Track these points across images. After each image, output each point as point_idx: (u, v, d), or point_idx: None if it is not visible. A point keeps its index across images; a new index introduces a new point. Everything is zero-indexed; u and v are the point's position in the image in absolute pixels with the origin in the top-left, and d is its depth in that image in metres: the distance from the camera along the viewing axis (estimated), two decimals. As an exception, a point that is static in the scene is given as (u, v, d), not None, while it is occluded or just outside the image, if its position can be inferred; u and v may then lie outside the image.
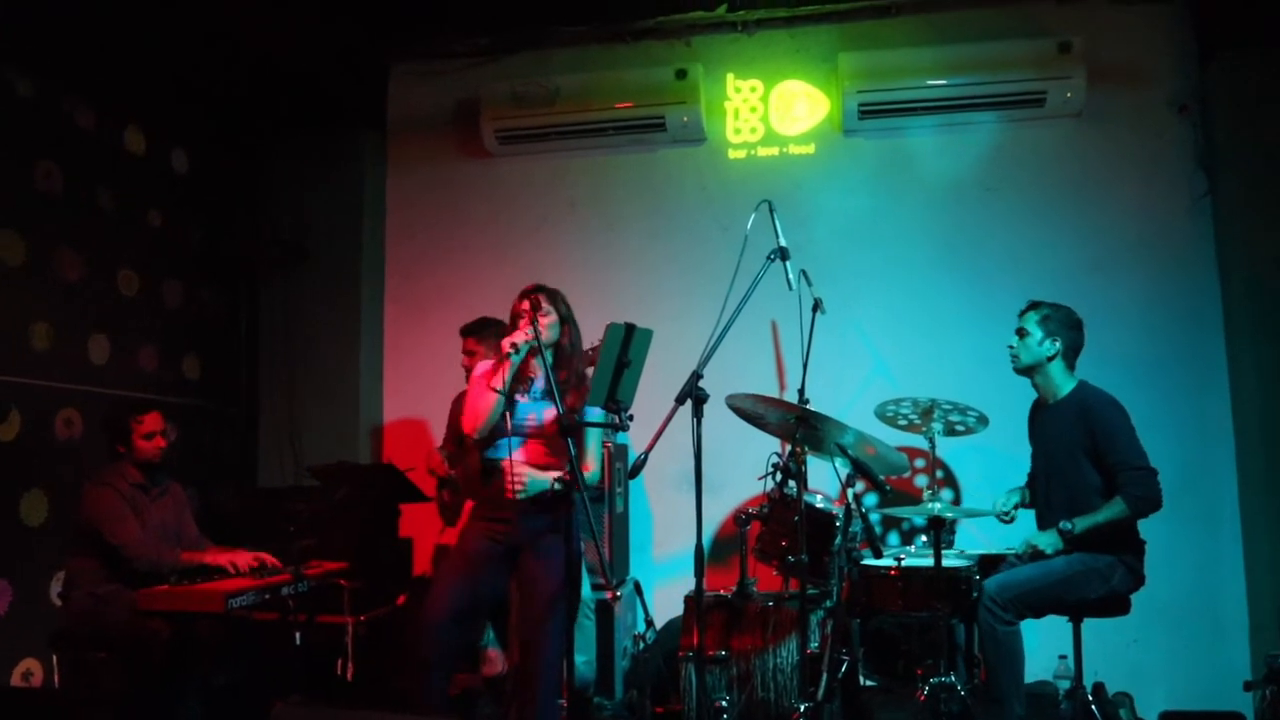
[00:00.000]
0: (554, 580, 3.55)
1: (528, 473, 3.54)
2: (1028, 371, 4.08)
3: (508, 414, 3.57)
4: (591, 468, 3.70)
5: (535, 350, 3.57)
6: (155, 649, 3.87)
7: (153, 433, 4.28)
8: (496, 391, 3.52)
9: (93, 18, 4.78)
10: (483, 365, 3.72)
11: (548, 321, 3.64)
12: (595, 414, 3.55)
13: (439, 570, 3.62)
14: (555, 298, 3.71)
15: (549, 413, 3.61)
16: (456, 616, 3.57)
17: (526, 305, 3.61)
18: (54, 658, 4.09)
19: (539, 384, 3.67)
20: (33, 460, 4.54)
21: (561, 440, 3.43)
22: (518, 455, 3.57)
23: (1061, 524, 3.81)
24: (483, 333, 4.69)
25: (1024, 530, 4.10)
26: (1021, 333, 4.04)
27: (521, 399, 3.65)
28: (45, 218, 4.69)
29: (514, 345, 3.49)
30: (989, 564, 4.10)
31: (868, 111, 5.34)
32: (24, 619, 4.42)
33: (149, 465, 4.29)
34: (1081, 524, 3.79)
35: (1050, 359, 4.00)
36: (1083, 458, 3.89)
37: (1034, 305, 4.07)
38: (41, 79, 4.68)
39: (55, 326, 4.70)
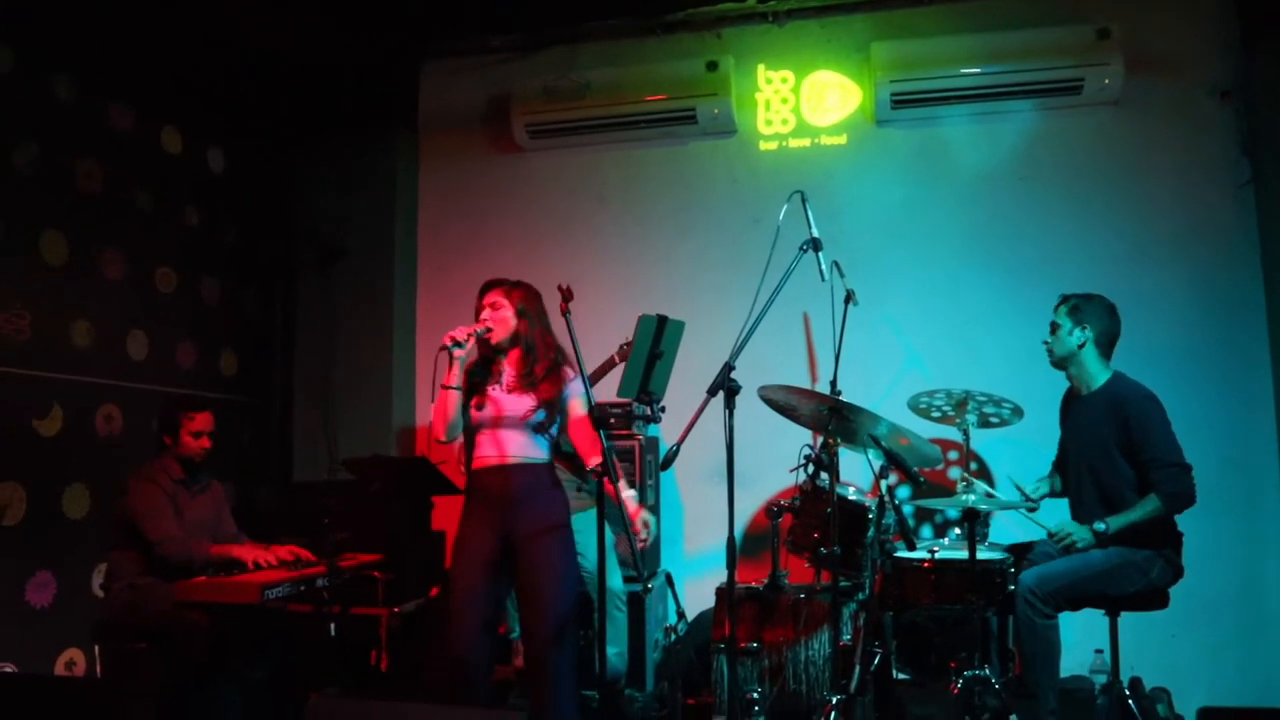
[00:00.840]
0: (554, 576, 3.58)
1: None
2: (1062, 364, 4.05)
3: (490, 407, 3.57)
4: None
5: (493, 346, 3.59)
6: (194, 640, 3.92)
7: (201, 432, 4.34)
8: (451, 389, 3.51)
9: (130, 21, 4.87)
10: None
11: (501, 315, 3.62)
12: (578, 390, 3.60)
13: (455, 585, 3.58)
14: (512, 292, 3.69)
15: (519, 404, 3.59)
16: (485, 631, 3.57)
17: (489, 299, 3.64)
18: (96, 648, 4.16)
19: (505, 378, 3.64)
20: (74, 455, 4.62)
21: (594, 431, 3.42)
22: (501, 450, 3.58)
23: (1096, 524, 3.78)
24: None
25: (1048, 517, 4.05)
26: (1054, 327, 4.03)
27: (497, 392, 3.62)
28: (87, 217, 4.77)
29: (453, 340, 3.49)
30: (1021, 553, 4.07)
31: (900, 101, 5.29)
32: (67, 610, 4.51)
33: (190, 462, 4.35)
34: (1115, 523, 3.76)
35: (1081, 347, 3.96)
36: (1116, 451, 3.84)
37: (1064, 299, 4.05)
38: (81, 81, 4.76)
39: (95, 324, 4.78)
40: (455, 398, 3.51)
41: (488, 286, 3.69)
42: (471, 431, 3.63)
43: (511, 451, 3.61)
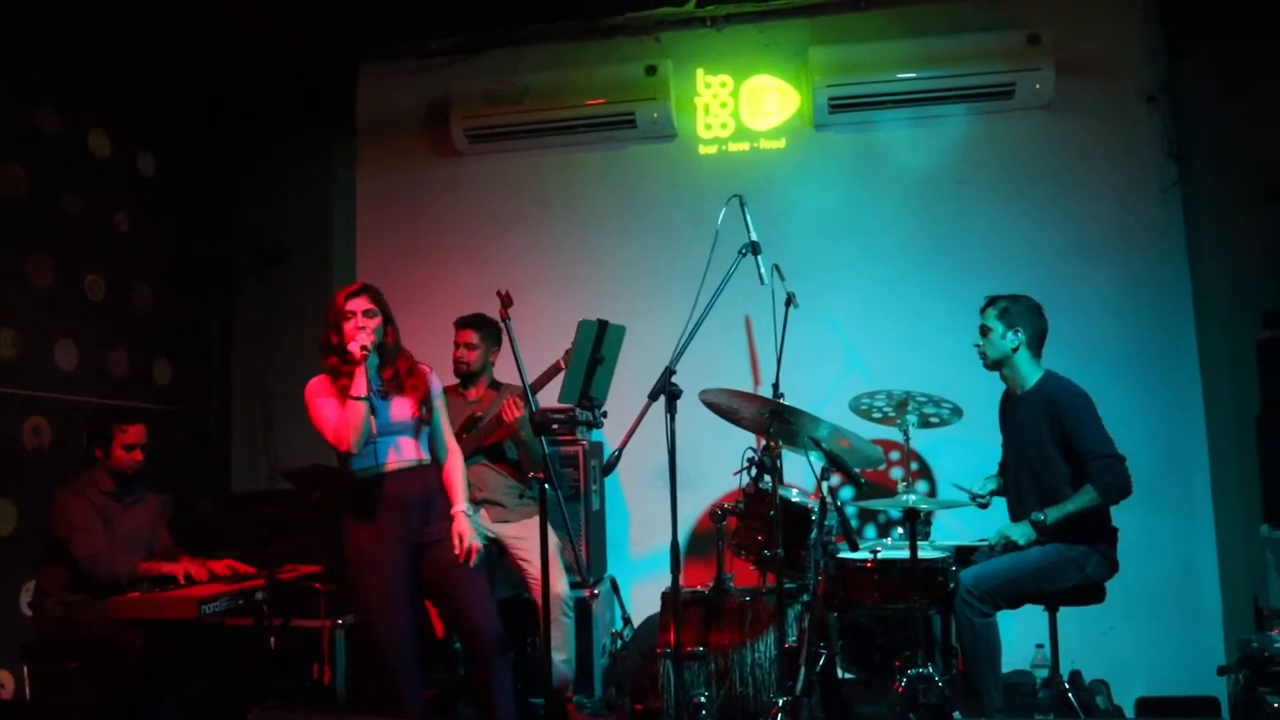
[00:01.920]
0: (469, 572, 3.59)
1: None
2: (996, 366, 4.11)
3: (372, 418, 3.49)
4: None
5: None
6: (129, 657, 3.84)
7: (134, 445, 4.25)
8: (360, 399, 3.44)
9: (56, 22, 4.74)
10: (316, 382, 3.60)
11: (376, 324, 3.59)
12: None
13: (373, 596, 3.52)
14: (380, 297, 3.66)
15: (403, 407, 3.58)
16: (411, 640, 3.55)
17: (359, 305, 3.58)
18: (25, 669, 4.04)
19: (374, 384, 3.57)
20: (0, 469, 4.48)
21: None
22: (398, 455, 3.56)
23: (1033, 515, 3.85)
24: (485, 328, 4.64)
25: (997, 518, 4.12)
26: (984, 330, 4.07)
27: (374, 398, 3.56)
28: (11, 222, 4.63)
29: (365, 348, 3.45)
30: (965, 555, 4.12)
31: (838, 105, 5.34)
32: (-6, 630, 4.38)
33: (123, 475, 4.25)
34: (1053, 514, 3.82)
35: (1015, 350, 4.02)
36: (1051, 448, 3.91)
37: (991, 301, 4.10)
38: (5, 84, 4.61)
39: (21, 332, 4.64)
40: (365, 408, 3.44)
41: (354, 294, 3.61)
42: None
43: (408, 455, 3.60)
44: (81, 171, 5.08)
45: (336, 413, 3.49)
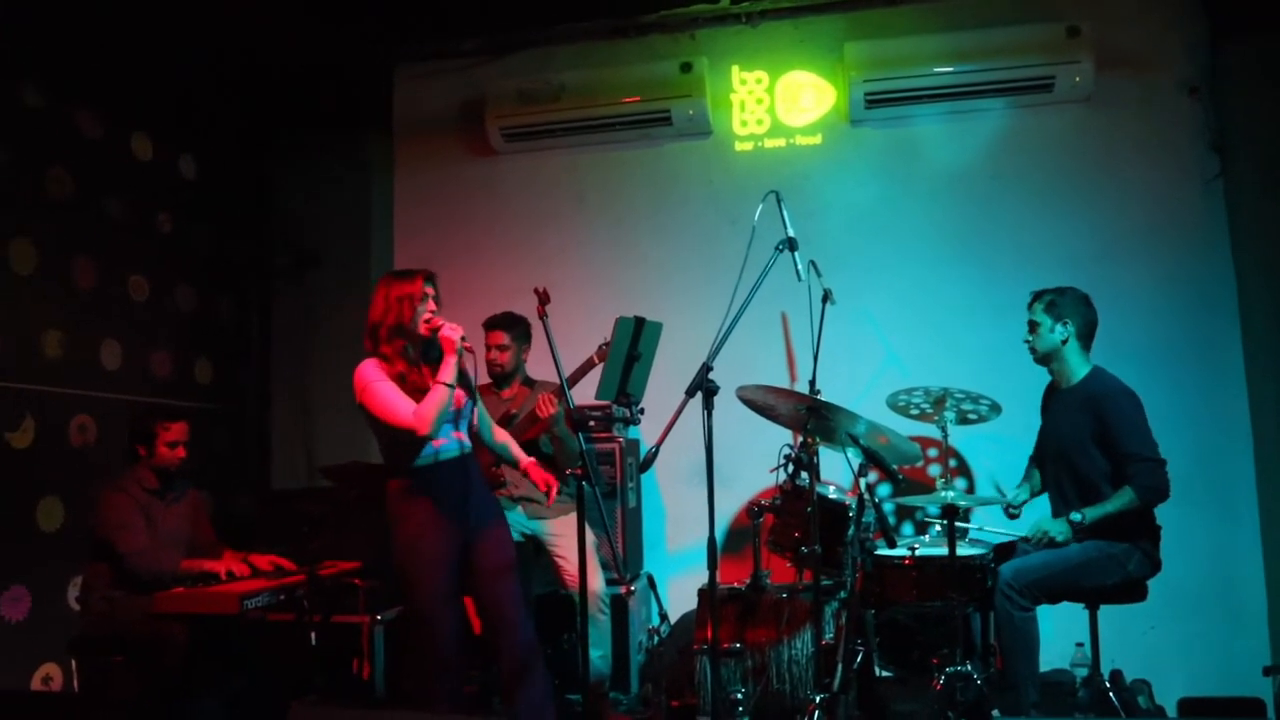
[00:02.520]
0: (511, 564, 3.65)
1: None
2: (1045, 360, 4.07)
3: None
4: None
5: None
6: (172, 651, 3.89)
7: (177, 442, 4.30)
8: (446, 385, 3.47)
9: (97, 26, 4.82)
10: (370, 365, 3.58)
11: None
12: None
13: (426, 586, 3.54)
14: (438, 283, 3.69)
15: (459, 395, 3.57)
16: (456, 635, 3.58)
17: (431, 290, 3.60)
18: (73, 662, 4.11)
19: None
20: (48, 467, 4.57)
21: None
22: (451, 444, 3.58)
23: (1072, 515, 3.82)
24: (514, 327, 4.67)
25: (1036, 514, 4.08)
26: (1032, 326, 4.05)
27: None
28: (56, 225, 4.71)
29: (464, 338, 3.48)
30: (1004, 552, 4.09)
31: (874, 101, 5.31)
32: (42, 624, 4.46)
33: (166, 472, 4.31)
34: (1091, 514, 3.80)
35: (1064, 343, 3.98)
36: (1092, 445, 3.87)
37: (1037, 295, 4.07)
38: (49, 88, 4.70)
39: (67, 333, 4.72)
40: (450, 394, 3.47)
41: (430, 278, 3.63)
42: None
43: (462, 445, 3.62)
44: (124, 174, 5.17)
45: (399, 395, 3.48)
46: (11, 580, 4.37)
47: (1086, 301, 4.02)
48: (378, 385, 3.51)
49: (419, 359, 3.60)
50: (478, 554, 3.61)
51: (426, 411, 3.45)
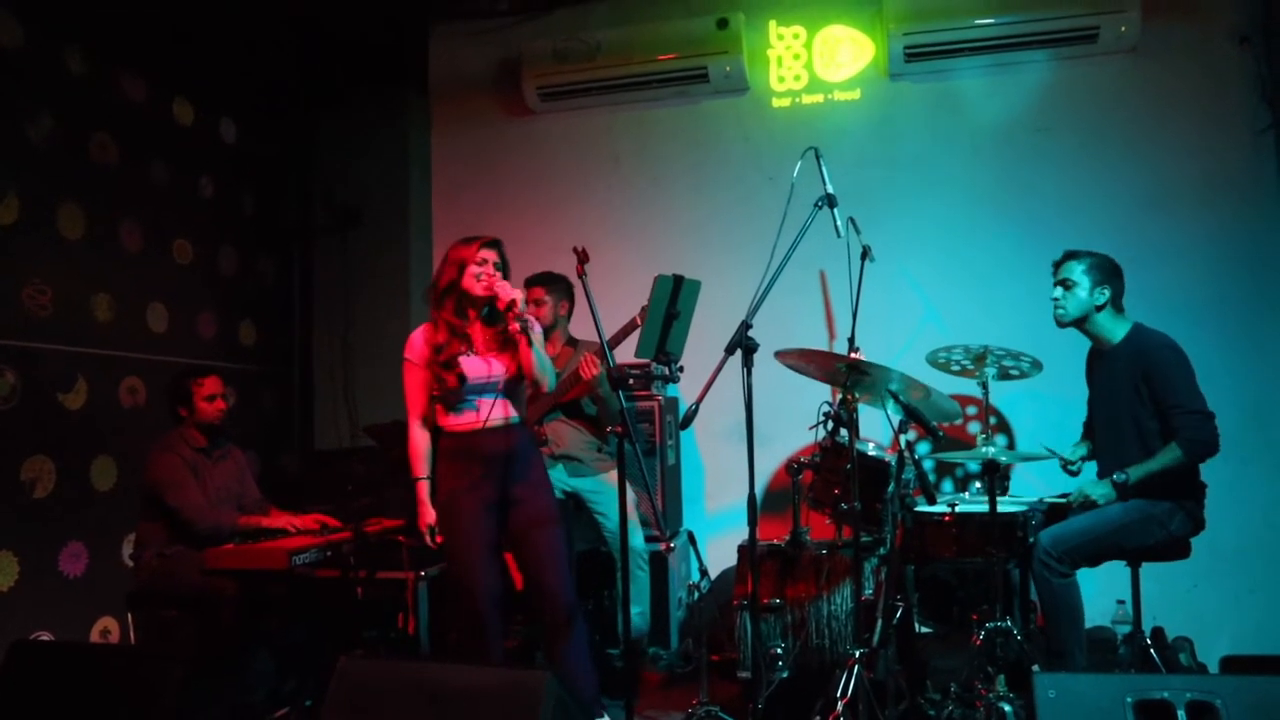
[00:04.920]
0: (556, 530, 3.68)
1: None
2: (1074, 323, 3.96)
3: (480, 368, 3.58)
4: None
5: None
6: (224, 606, 3.99)
7: (214, 395, 4.37)
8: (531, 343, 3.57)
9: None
10: (418, 336, 3.65)
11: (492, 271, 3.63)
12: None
13: (458, 551, 3.60)
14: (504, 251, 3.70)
15: (500, 365, 3.61)
16: (497, 591, 3.64)
17: (490, 255, 3.60)
18: (129, 616, 4.24)
19: (477, 339, 3.64)
20: (100, 428, 4.68)
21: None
22: (492, 412, 3.60)
23: (1115, 475, 3.74)
24: (553, 284, 4.70)
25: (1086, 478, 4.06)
26: (1067, 284, 3.91)
27: (474, 354, 3.62)
28: (103, 190, 4.79)
29: (520, 302, 3.52)
30: (1052, 513, 4.05)
31: (914, 54, 5.24)
32: (100, 580, 4.59)
33: (210, 428, 4.38)
34: (1136, 473, 3.72)
35: (1099, 308, 3.90)
36: (1140, 404, 3.79)
37: (1074, 255, 3.94)
38: (92, 53, 4.75)
39: (115, 297, 4.81)
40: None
41: (490, 244, 3.64)
42: (455, 394, 3.59)
43: (500, 414, 3.63)
44: (167, 138, 5.23)
45: (420, 393, 3.60)
46: (70, 537, 4.50)
47: (1119, 270, 3.92)
48: (409, 373, 3.63)
49: (475, 321, 3.65)
50: (518, 513, 3.65)
51: (413, 454, 3.64)
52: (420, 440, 3.65)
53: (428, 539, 3.64)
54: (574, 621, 3.67)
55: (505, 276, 3.62)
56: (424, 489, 3.64)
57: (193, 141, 5.42)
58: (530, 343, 3.53)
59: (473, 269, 3.57)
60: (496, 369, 3.61)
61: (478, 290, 3.56)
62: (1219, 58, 5.06)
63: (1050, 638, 3.77)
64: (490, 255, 3.60)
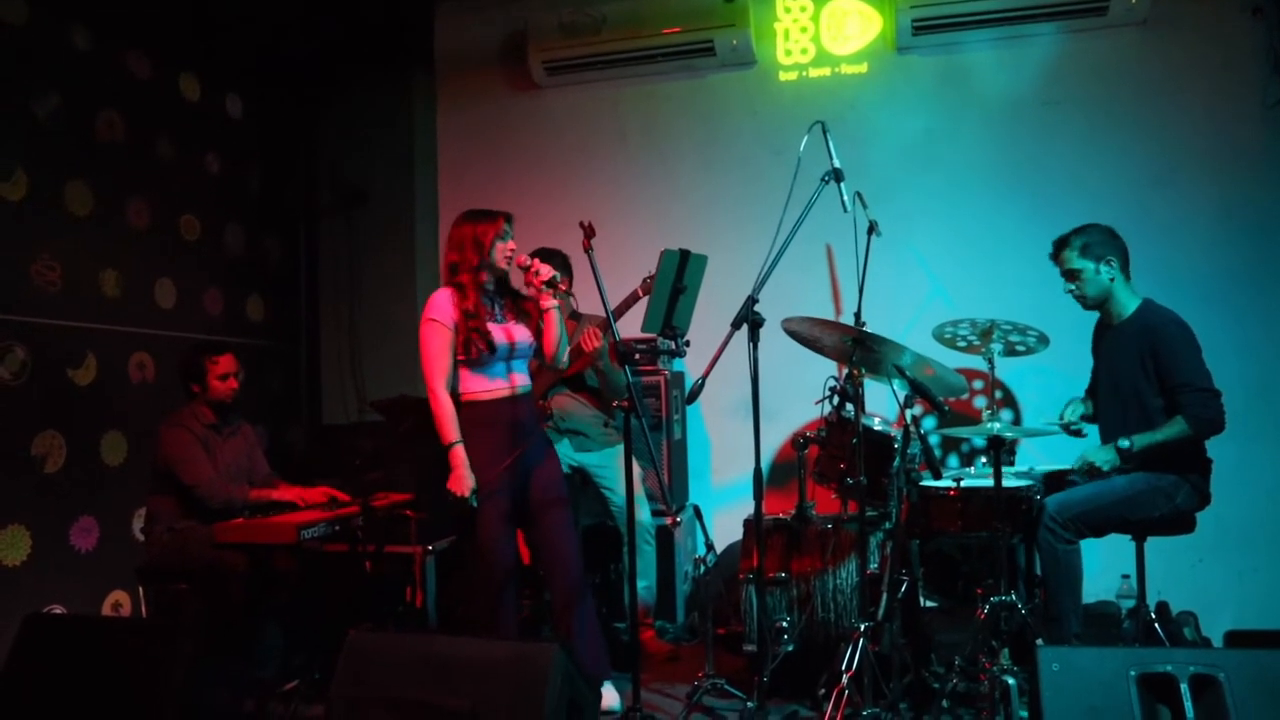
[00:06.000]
0: (565, 502, 3.75)
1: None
2: (1098, 305, 3.97)
3: (502, 335, 3.66)
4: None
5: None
6: (234, 580, 4.02)
7: (227, 374, 4.39)
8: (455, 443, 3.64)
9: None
10: (444, 298, 3.67)
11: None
12: None
13: (481, 522, 3.64)
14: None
15: (524, 332, 3.72)
16: (515, 564, 3.72)
17: (504, 226, 3.70)
18: (140, 590, 4.28)
19: (499, 308, 3.75)
20: (110, 403, 4.70)
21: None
22: (518, 379, 3.70)
23: (1120, 441, 3.74)
24: (549, 260, 4.70)
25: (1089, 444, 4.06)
26: (1071, 274, 3.93)
27: (496, 323, 3.69)
28: (110, 167, 4.79)
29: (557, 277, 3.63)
30: (1052, 482, 4.07)
31: (922, 27, 5.20)
32: (111, 554, 4.63)
33: (221, 405, 4.41)
34: (1140, 441, 3.72)
35: (1113, 281, 3.89)
36: (1145, 379, 3.80)
37: (1064, 243, 3.94)
38: (98, 30, 4.74)
39: (123, 273, 4.82)
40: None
41: (510, 219, 3.74)
42: (477, 362, 3.63)
43: (523, 381, 3.73)
44: (173, 115, 5.22)
45: (442, 356, 3.60)
46: (81, 512, 4.53)
47: (1114, 233, 3.91)
48: (434, 334, 3.62)
49: (497, 294, 3.74)
50: (531, 489, 3.71)
51: (443, 419, 3.60)
52: (447, 404, 3.61)
53: (471, 501, 3.59)
54: (584, 595, 3.72)
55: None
56: (460, 453, 3.59)
57: (199, 118, 5.41)
58: (555, 320, 3.59)
59: (500, 245, 3.66)
60: (520, 336, 3.69)
61: (507, 266, 3.66)
62: (1230, 30, 5.02)
63: (1048, 603, 3.80)
64: (505, 228, 3.70)
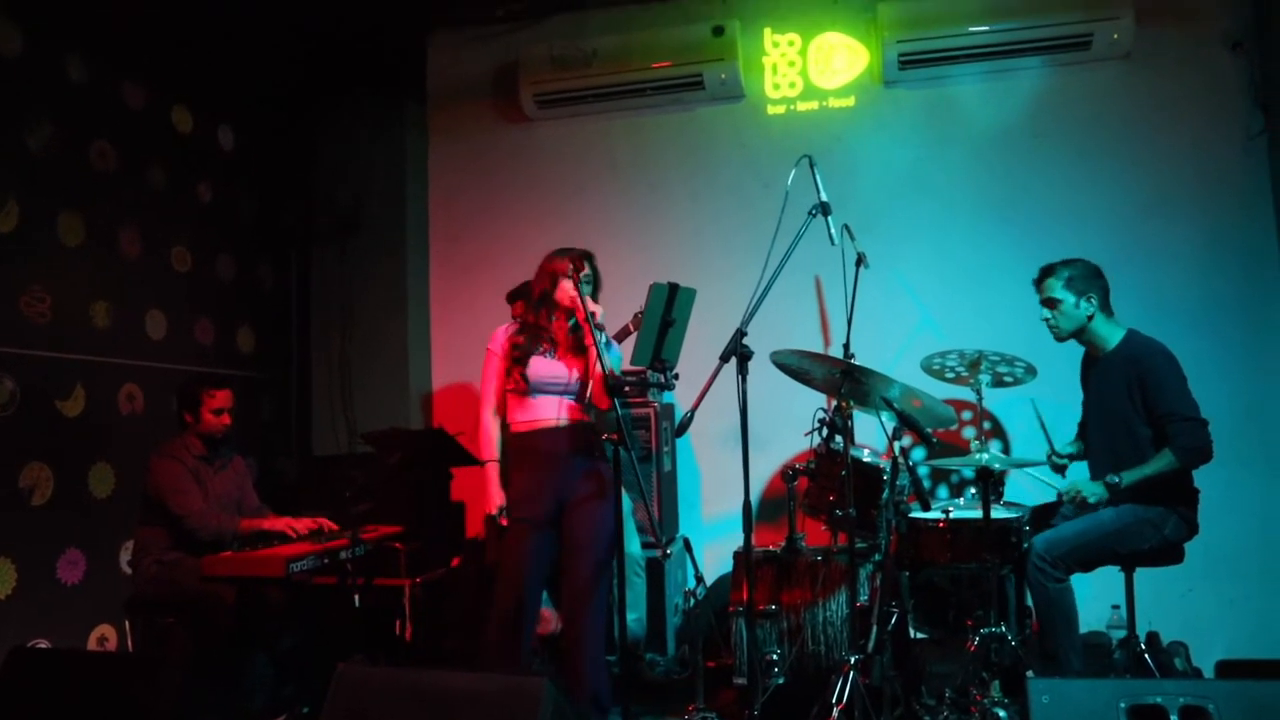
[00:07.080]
0: (600, 539, 3.70)
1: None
2: (1072, 336, 4.00)
3: (551, 369, 3.77)
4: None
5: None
6: (222, 613, 4.00)
7: (222, 409, 4.40)
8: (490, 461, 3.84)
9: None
10: (501, 334, 3.86)
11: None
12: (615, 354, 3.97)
13: (509, 557, 3.68)
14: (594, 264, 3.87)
15: (572, 368, 3.79)
16: (537, 600, 3.76)
17: (584, 267, 3.78)
18: (126, 623, 4.25)
19: (558, 343, 3.82)
20: (98, 434, 4.68)
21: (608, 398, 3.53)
22: (561, 412, 3.77)
23: (1109, 477, 3.76)
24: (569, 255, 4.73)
25: (1074, 476, 4.08)
26: (1051, 303, 3.96)
27: (549, 356, 3.79)
28: (102, 197, 4.79)
29: (596, 314, 3.64)
30: (1041, 515, 4.08)
31: (908, 61, 5.26)
32: (97, 587, 4.59)
33: (211, 439, 4.40)
34: (1129, 477, 3.73)
35: (1090, 318, 3.93)
36: (1133, 410, 3.81)
37: (1050, 271, 3.98)
38: (92, 61, 4.77)
39: (114, 304, 4.82)
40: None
41: (585, 256, 3.83)
42: (525, 393, 3.76)
43: (567, 415, 3.79)
44: (165, 146, 5.24)
45: (491, 385, 3.80)
46: (68, 544, 4.50)
47: (1099, 272, 3.95)
48: (488, 362, 3.85)
49: (561, 328, 3.83)
50: (571, 517, 3.74)
51: (482, 439, 3.84)
52: (491, 426, 3.85)
53: (500, 519, 3.75)
54: (595, 620, 3.72)
55: (597, 287, 3.84)
56: (493, 470, 3.79)
57: (191, 149, 5.43)
58: (600, 355, 3.60)
59: (565, 282, 3.74)
60: (572, 374, 3.78)
61: (565, 302, 3.75)
62: (1212, 63, 5.09)
63: (1044, 642, 3.79)
64: (583, 268, 3.77)
